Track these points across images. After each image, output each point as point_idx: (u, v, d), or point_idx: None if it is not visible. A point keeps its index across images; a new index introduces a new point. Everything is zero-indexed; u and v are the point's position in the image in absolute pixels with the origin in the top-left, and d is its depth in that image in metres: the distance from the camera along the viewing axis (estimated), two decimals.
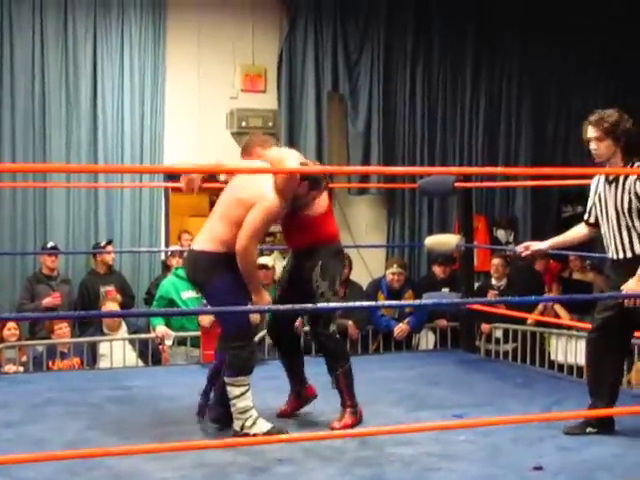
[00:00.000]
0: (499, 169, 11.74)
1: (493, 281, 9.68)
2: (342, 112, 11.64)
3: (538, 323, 9.16)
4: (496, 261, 9.73)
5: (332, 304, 5.75)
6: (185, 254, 6.27)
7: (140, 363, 8.41)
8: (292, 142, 11.09)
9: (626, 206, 5.36)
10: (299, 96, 11.34)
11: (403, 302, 8.88)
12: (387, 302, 9.07)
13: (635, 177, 5.31)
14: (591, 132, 5.49)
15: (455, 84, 12.08)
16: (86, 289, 9.92)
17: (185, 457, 5.01)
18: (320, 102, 11.35)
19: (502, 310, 8.73)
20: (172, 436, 5.30)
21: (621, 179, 5.41)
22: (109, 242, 10.20)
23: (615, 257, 5.48)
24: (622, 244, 5.43)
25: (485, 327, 9.08)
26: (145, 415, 5.37)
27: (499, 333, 9.13)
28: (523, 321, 9.00)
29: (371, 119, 11.56)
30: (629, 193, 5.35)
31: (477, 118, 12.17)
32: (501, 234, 12.16)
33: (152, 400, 5.36)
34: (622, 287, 5.27)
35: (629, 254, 5.39)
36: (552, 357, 8.74)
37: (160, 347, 8.21)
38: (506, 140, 12.33)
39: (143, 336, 8.65)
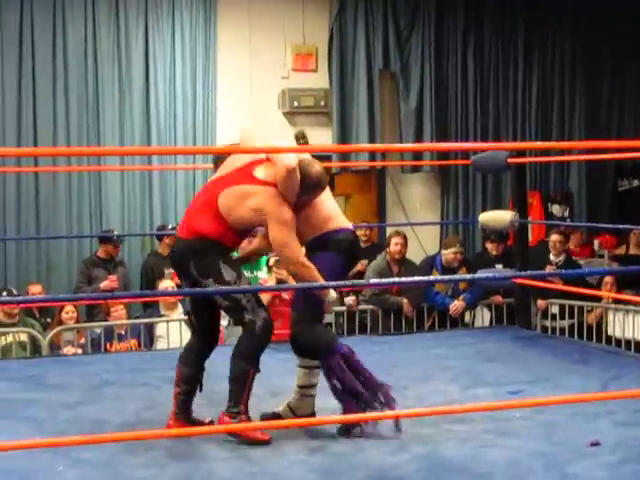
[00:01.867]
0: (553, 143, 11.62)
1: (551, 257, 9.60)
2: (394, 90, 11.60)
3: (595, 299, 9.08)
4: (554, 237, 9.66)
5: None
6: None
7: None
8: (344, 121, 11.09)
9: None
10: (350, 74, 11.31)
11: (457, 277, 8.82)
12: (440, 277, 9.03)
13: None
14: None
15: (507, 59, 11.98)
16: (151, 270, 9.91)
17: None
18: (372, 80, 11.32)
19: (558, 285, 8.67)
20: None
21: None
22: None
23: None
24: None
25: (541, 303, 9.03)
26: (202, 396, 5.41)
27: (555, 309, 9.06)
28: (580, 297, 8.91)
29: (423, 96, 11.51)
30: None
31: (530, 93, 12.07)
32: (556, 209, 12.06)
33: (208, 380, 5.39)
34: None
35: None
36: (609, 333, 8.67)
37: None
38: (559, 115, 12.22)
39: None
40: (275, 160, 5.19)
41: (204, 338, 5.45)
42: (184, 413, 5.34)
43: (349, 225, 5.56)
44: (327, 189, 5.47)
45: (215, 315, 5.46)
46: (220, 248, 5.19)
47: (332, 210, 5.49)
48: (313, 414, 5.45)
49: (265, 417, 5.48)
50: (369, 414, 5.20)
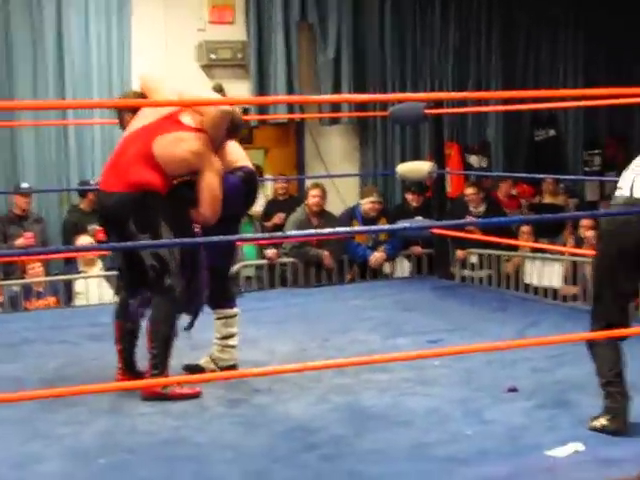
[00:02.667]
0: (469, 94, 11.70)
1: (471, 208, 9.68)
2: (312, 41, 11.53)
3: (513, 248, 9.20)
4: (468, 190, 9.77)
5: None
6: None
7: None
8: (262, 73, 11.00)
9: None
10: (268, 26, 11.18)
11: (378, 227, 8.85)
12: (359, 228, 9.06)
13: None
14: None
15: (424, 10, 11.95)
16: (74, 226, 9.54)
17: None
18: (289, 32, 11.22)
19: (476, 235, 8.76)
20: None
21: None
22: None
23: None
24: None
25: (460, 253, 9.13)
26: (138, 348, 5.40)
27: (474, 259, 9.17)
28: (499, 246, 9.02)
29: (341, 48, 11.44)
30: None
31: (447, 44, 12.06)
32: (474, 160, 12.14)
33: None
34: None
35: None
36: (527, 281, 8.81)
37: None
38: (476, 66, 12.26)
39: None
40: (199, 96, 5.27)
41: (137, 292, 5.40)
42: (130, 366, 5.33)
43: (250, 165, 5.67)
44: None
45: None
46: (161, 201, 5.13)
47: (239, 153, 5.59)
48: (235, 366, 5.48)
49: (188, 368, 5.50)
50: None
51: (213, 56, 10.80)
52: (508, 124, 12.35)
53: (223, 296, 5.58)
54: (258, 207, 9.64)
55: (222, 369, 5.47)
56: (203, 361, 5.56)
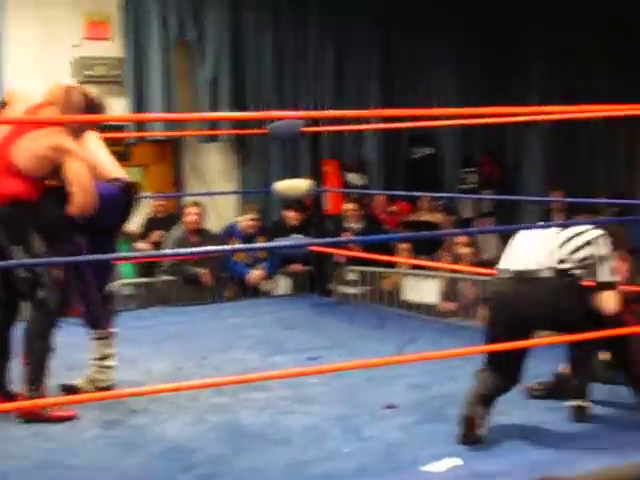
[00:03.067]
0: (346, 112, 11.78)
1: (350, 225, 9.72)
2: (190, 59, 11.47)
3: (390, 264, 9.27)
4: (346, 206, 9.82)
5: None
6: None
7: None
8: (139, 90, 10.89)
9: None
10: (145, 43, 11.09)
11: (255, 245, 8.82)
12: (238, 246, 9.03)
13: None
14: None
15: (304, 28, 11.99)
16: None
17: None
18: (167, 48, 11.14)
19: (355, 252, 8.80)
20: None
21: None
22: None
23: None
24: None
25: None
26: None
27: (353, 276, 9.21)
28: (378, 264, 9.09)
29: (220, 65, 11.40)
30: None
31: (325, 62, 12.14)
32: (353, 177, 12.21)
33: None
34: None
35: None
36: (404, 298, 8.87)
37: None
38: (355, 83, 12.35)
39: None
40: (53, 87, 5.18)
41: (12, 311, 5.26)
42: (1, 387, 5.17)
43: (126, 177, 5.59)
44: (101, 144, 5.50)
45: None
46: (33, 210, 5.00)
47: (113, 165, 5.52)
48: (112, 387, 5.39)
49: (64, 388, 5.38)
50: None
51: (89, 72, 10.64)
52: (386, 142, 12.45)
53: (101, 315, 5.49)
54: (135, 225, 9.53)
55: (99, 390, 5.37)
56: (80, 381, 5.45)
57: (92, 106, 5.15)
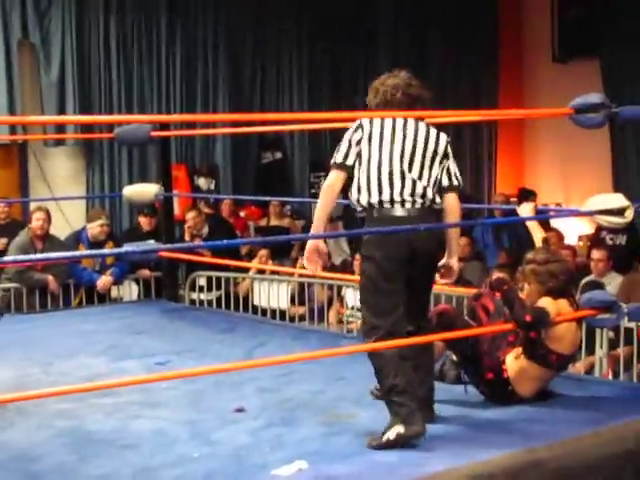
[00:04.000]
0: (195, 116, 11.73)
1: (195, 231, 9.66)
2: (34, 61, 11.24)
3: (240, 269, 9.27)
4: (190, 214, 9.72)
5: None
6: None
7: None
8: None
9: None
10: None
11: (102, 251, 8.67)
12: (85, 252, 8.86)
13: None
14: None
15: (150, 31, 11.90)
16: None
17: None
18: (9, 51, 10.90)
19: (206, 258, 8.76)
20: None
21: None
22: None
23: None
24: None
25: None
26: None
27: (203, 281, 9.17)
28: (228, 269, 9.08)
29: (65, 68, 11.22)
30: None
31: (174, 66, 12.06)
32: (202, 182, 12.18)
33: None
34: None
35: None
36: (255, 303, 8.88)
37: None
38: (204, 87, 12.31)
39: None
40: None
41: None
42: None
43: None
44: None
45: None
46: None
47: None
48: None
49: None
50: None
51: None
52: (236, 146, 12.46)
53: None
54: None
55: None
56: None
57: None
